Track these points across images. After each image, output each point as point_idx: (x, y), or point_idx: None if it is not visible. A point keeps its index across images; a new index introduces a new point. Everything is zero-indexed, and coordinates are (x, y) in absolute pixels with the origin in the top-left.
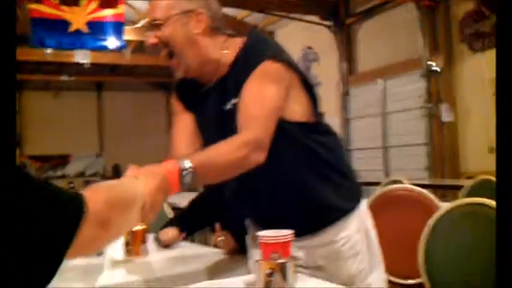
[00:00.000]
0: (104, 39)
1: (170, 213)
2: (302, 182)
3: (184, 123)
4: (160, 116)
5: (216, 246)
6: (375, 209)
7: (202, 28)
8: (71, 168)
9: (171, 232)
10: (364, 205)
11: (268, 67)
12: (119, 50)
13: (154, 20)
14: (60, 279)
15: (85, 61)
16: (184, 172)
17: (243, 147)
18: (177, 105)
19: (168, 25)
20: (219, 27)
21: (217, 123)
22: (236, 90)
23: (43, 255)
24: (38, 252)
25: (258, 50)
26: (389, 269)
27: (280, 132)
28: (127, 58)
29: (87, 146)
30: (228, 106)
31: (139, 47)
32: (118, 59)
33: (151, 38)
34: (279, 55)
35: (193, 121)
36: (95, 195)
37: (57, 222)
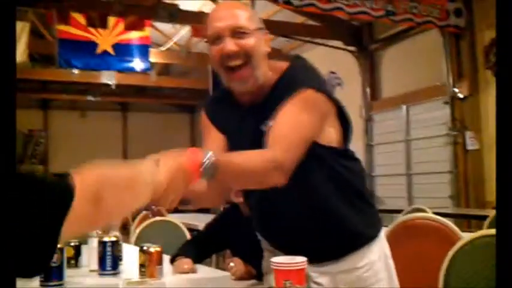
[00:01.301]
0: (130, 61)
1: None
2: (330, 206)
3: (217, 144)
4: (184, 137)
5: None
6: (396, 236)
7: (269, 46)
8: None
9: (185, 266)
10: (383, 233)
11: (308, 95)
12: (145, 72)
13: (239, 28)
14: None
15: (111, 82)
16: (206, 161)
17: (267, 163)
18: (206, 123)
19: (254, 36)
20: None
21: (252, 144)
22: (274, 114)
23: (39, 235)
24: (34, 233)
25: (301, 77)
26: None
27: (312, 155)
28: (152, 80)
29: None
30: (265, 128)
31: (164, 69)
32: (143, 81)
33: (231, 45)
34: (321, 86)
35: (225, 141)
36: (86, 173)
37: (48, 203)
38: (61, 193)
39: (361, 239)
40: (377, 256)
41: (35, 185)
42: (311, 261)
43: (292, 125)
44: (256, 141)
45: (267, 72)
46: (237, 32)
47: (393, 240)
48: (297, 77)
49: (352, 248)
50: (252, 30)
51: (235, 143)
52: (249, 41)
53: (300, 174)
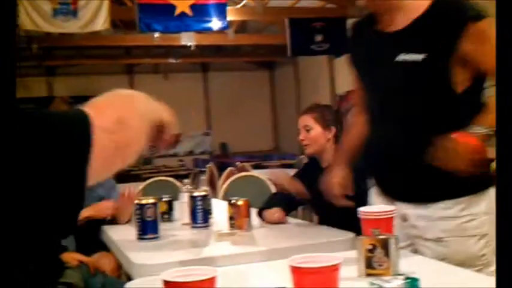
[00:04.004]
0: (208, 21)
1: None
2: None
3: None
4: (264, 94)
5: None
6: None
7: None
8: (181, 147)
9: (276, 214)
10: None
11: (485, 26)
12: (222, 30)
13: None
14: (168, 251)
15: (190, 43)
16: None
17: None
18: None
19: None
20: None
21: (387, 76)
22: (420, 44)
23: (66, 176)
24: (60, 174)
25: (459, 7)
26: None
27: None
28: (230, 38)
29: (195, 125)
30: (401, 58)
31: (242, 27)
32: (222, 40)
33: None
34: (482, 13)
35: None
36: (100, 102)
37: (68, 142)
38: (77, 123)
39: (465, 187)
40: (484, 210)
41: (45, 120)
42: (411, 200)
43: None
44: (389, 72)
45: None
46: None
47: None
48: (454, 7)
49: (455, 194)
50: None
51: (369, 74)
52: None
53: (417, 116)
